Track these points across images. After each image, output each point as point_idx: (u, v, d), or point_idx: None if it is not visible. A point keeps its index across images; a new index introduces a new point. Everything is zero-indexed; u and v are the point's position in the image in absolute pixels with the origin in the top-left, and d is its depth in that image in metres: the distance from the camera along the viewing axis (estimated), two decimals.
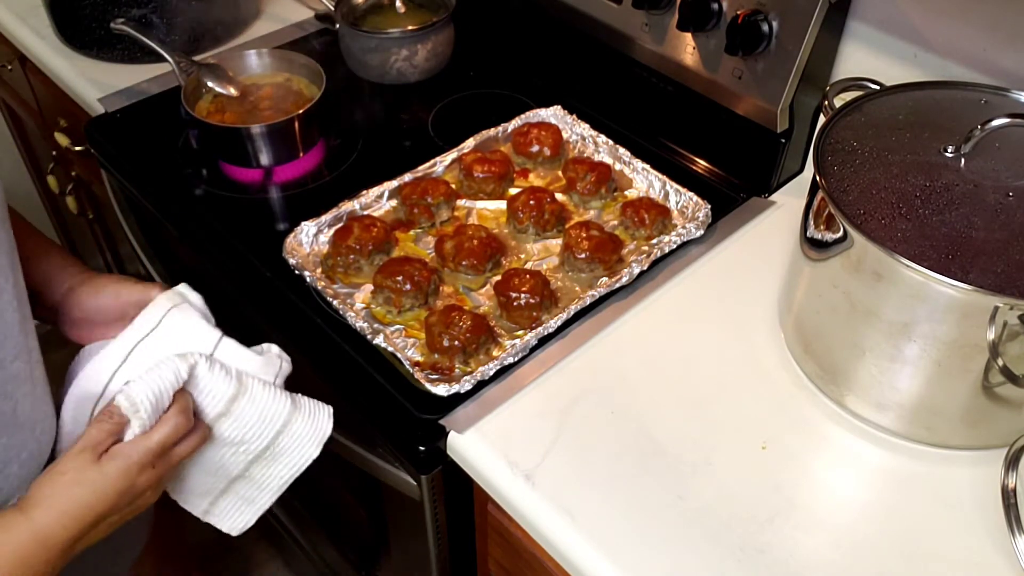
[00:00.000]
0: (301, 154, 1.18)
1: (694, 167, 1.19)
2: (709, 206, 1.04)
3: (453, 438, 0.85)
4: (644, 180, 1.11)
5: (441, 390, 0.86)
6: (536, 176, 1.15)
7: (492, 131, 1.17)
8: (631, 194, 1.11)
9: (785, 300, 0.93)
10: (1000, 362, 0.71)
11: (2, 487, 0.68)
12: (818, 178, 0.79)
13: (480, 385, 0.87)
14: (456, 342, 0.89)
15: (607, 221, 1.07)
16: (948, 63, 0.95)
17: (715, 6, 1.06)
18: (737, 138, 1.12)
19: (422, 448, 0.86)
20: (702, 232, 1.03)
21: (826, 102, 0.91)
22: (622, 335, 0.94)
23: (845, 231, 0.76)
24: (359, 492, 1.25)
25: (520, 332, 0.94)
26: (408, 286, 0.95)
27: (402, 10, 1.36)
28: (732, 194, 1.13)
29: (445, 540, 0.98)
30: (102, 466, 0.64)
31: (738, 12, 1.03)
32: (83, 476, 0.63)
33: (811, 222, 0.83)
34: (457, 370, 0.89)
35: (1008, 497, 0.71)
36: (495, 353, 0.91)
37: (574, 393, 0.88)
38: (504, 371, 0.89)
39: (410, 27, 1.29)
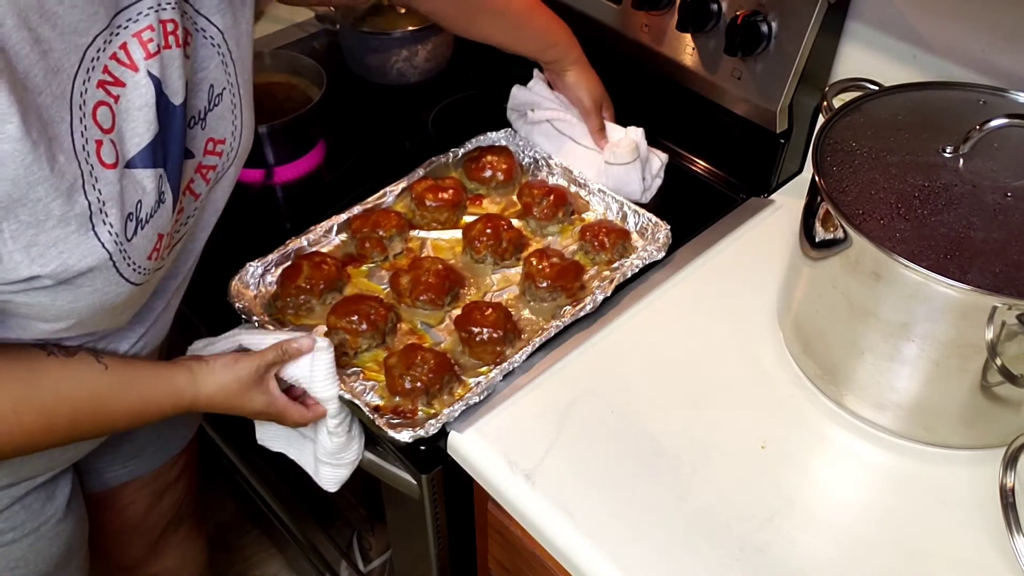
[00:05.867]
0: (302, 154, 1.19)
1: (693, 167, 1.19)
2: (668, 227, 1.02)
3: (453, 438, 0.85)
4: (601, 202, 1.08)
5: (405, 436, 0.82)
6: (490, 202, 1.11)
7: (442, 157, 1.13)
8: (589, 217, 1.08)
9: (784, 300, 0.93)
10: (998, 362, 0.71)
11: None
12: (817, 178, 0.79)
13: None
14: (418, 384, 0.85)
15: (566, 246, 1.04)
16: (947, 64, 0.96)
17: (714, 7, 1.06)
18: (736, 138, 1.13)
19: (422, 448, 0.86)
20: (663, 255, 1.00)
21: (825, 102, 0.91)
22: (622, 335, 0.94)
23: (844, 231, 0.76)
24: (359, 491, 1.25)
25: (484, 368, 0.90)
26: (364, 326, 0.91)
27: (403, 11, 1.36)
28: (731, 194, 1.13)
29: (445, 539, 0.98)
30: (255, 395, 0.82)
31: (737, 13, 1.03)
32: (244, 392, 0.81)
33: (810, 222, 0.83)
34: (420, 413, 0.86)
35: (1006, 496, 0.71)
36: (459, 392, 0.88)
37: (574, 393, 0.88)
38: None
39: (410, 28, 1.30)
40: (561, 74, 1.12)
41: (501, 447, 0.83)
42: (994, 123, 0.78)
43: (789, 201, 1.11)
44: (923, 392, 0.80)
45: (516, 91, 1.17)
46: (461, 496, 0.93)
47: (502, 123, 1.19)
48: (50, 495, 0.87)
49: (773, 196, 1.12)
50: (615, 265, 1.00)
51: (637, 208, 1.05)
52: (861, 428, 0.85)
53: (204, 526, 1.32)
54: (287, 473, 0.95)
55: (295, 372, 0.83)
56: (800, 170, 1.15)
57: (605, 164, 1.09)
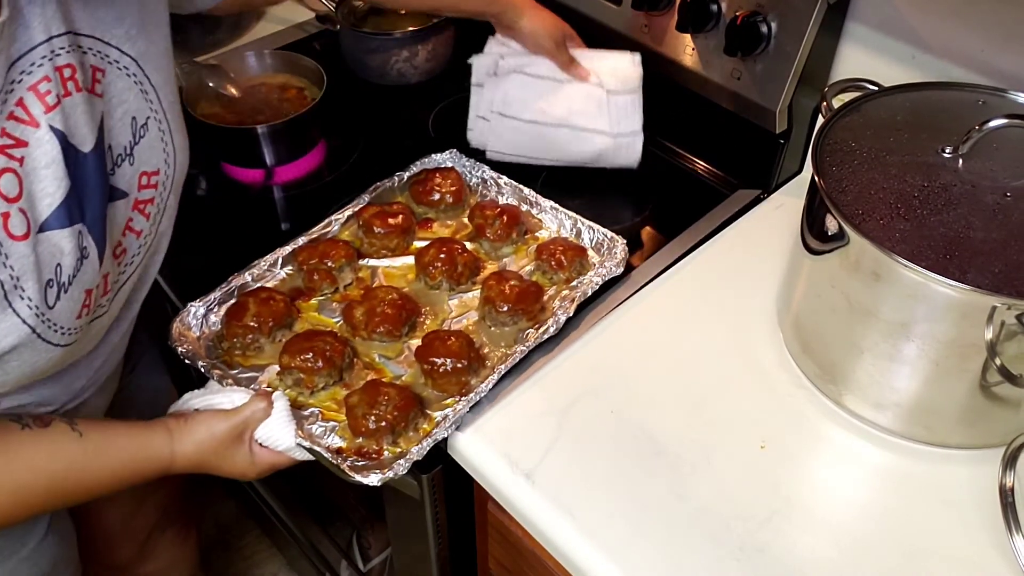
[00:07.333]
0: (302, 154, 1.19)
1: (693, 168, 1.19)
2: (624, 241, 1.00)
3: (453, 437, 0.85)
4: (554, 219, 1.06)
5: (373, 479, 0.79)
6: (440, 225, 1.07)
7: (387, 181, 1.09)
8: (542, 235, 1.05)
9: (784, 300, 0.93)
10: (998, 362, 0.71)
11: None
12: (816, 178, 0.79)
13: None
14: (383, 423, 0.82)
15: (522, 266, 1.01)
16: (946, 64, 0.96)
17: (714, 7, 1.06)
18: (736, 138, 1.13)
19: None
20: (622, 270, 0.98)
21: (824, 103, 0.91)
22: (622, 334, 0.94)
23: (843, 231, 0.76)
24: (359, 491, 1.26)
25: (449, 400, 0.87)
26: (320, 363, 0.86)
27: (403, 11, 1.36)
28: (731, 195, 1.13)
29: (445, 539, 0.98)
30: (234, 453, 0.80)
31: (737, 13, 1.03)
32: (221, 450, 0.80)
33: (810, 222, 0.83)
34: (387, 452, 0.83)
35: (1006, 496, 0.71)
36: (425, 427, 0.85)
37: (574, 392, 0.88)
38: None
39: (411, 28, 1.30)
40: (514, 26, 1.07)
41: (501, 447, 0.83)
42: (993, 123, 0.78)
43: (789, 201, 1.11)
44: (923, 392, 0.80)
45: (476, 59, 1.12)
46: (461, 496, 0.93)
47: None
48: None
49: (773, 196, 1.12)
50: (573, 284, 0.98)
51: (591, 224, 1.03)
52: (861, 428, 0.85)
53: (195, 527, 1.31)
54: (287, 473, 0.95)
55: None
56: (800, 170, 1.15)
57: (607, 95, 1.03)
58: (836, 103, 0.89)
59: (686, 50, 1.12)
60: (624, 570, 0.74)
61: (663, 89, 1.17)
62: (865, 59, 1.03)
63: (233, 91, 1.19)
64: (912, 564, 0.75)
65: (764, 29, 1.02)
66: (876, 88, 0.90)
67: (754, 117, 1.08)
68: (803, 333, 0.88)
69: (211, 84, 1.19)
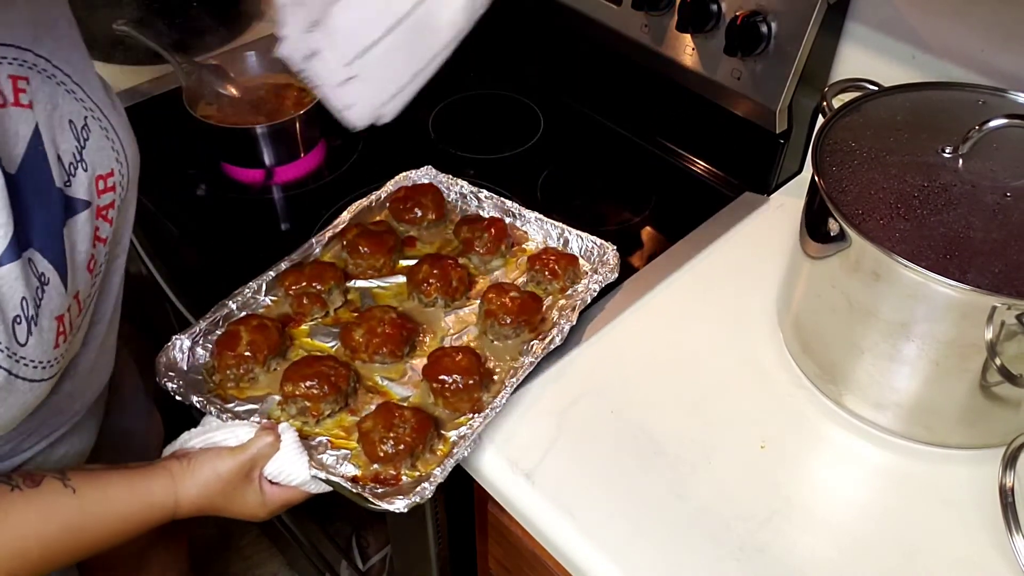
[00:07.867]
0: (302, 154, 1.19)
1: (693, 168, 1.19)
2: (615, 246, 0.99)
3: None
4: (539, 230, 1.04)
5: (400, 505, 0.76)
6: (423, 243, 1.05)
7: (364, 201, 1.07)
8: (529, 247, 1.03)
9: (784, 300, 0.93)
10: (998, 362, 0.71)
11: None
12: (816, 178, 0.79)
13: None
14: (402, 446, 0.79)
15: (513, 279, 1.00)
16: (946, 64, 0.96)
17: (714, 7, 1.06)
18: (736, 139, 1.13)
19: None
20: (616, 275, 0.97)
21: (824, 103, 0.91)
22: (621, 334, 0.94)
23: (843, 231, 0.76)
24: None
25: (462, 418, 0.85)
26: (326, 389, 0.83)
27: None
28: (731, 195, 1.13)
29: (445, 539, 0.98)
30: (244, 493, 0.77)
31: (737, 13, 1.03)
32: (229, 491, 0.76)
33: (810, 222, 0.83)
34: (405, 477, 0.80)
35: (1006, 496, 0.71)
36: (442, 448, 0.83)
37: (574, 393, 0.88)
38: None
39: None
40: None
41: (501, 446, 0.83)
42: (993, 123, 0.78)
43: (789, 201, 1.11)
44: (923, 392, 0.80)
45: (282, 47, 0.81)
46: (461, 495, 0.93)
47: (502, 122, 1.19)
48: None
49: (773, 196, 1.12)
50: (568, 292, 0.97)
51: (579, 232, 1.01)
52: (861, 428, 0.85)
53: (184, 535, 1.31)
54: None
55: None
56: (800, 170, 1.15)
57: None
58: (836, 103, 0.89)
59: (686, 50, 1.12)
60: (624, 570, 0.74)
61: (663, 89, 1.17)
62: (865, 59, 1.03)
63: (233, 91, 1.19)
64: (912, 564, 0.75)
65: (764, 29, 1.02)
66: (876, 88, 0.90)
67: (754, 117, 1.08)
68: (803, 333, 0.88)
69: (211, 84, 1.18)
